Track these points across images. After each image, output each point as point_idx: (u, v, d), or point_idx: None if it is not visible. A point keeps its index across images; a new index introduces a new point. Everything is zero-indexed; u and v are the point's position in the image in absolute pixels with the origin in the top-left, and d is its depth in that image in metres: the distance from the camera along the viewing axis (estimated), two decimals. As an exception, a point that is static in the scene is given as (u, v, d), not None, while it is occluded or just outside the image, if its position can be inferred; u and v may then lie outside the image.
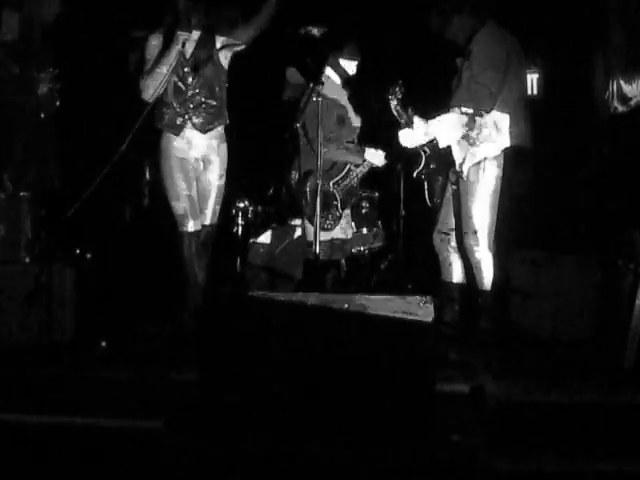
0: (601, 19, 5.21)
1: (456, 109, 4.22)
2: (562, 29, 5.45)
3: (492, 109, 4.18)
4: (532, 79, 5.73)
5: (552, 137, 5.55)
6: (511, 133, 4.23)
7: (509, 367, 4.03)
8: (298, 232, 5.45)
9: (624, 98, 4.96)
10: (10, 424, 3.14)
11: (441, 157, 4.38)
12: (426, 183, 4.48)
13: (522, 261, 5.06)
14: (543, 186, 5.58)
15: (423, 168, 4.48)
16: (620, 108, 4.99)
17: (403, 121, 4.45)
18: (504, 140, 4.23)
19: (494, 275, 4.30)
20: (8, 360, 4.04)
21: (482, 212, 4.24)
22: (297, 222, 5.53)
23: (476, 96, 4.17)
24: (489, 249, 4.26)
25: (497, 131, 4.21)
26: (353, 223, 5.42)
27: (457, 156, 4.28)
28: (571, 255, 4.86)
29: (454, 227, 4.45)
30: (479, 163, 4.24)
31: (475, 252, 4.27)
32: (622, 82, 4.97)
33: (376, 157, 5.03)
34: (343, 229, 5.16)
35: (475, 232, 4.24)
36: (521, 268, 5.05)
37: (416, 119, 4.36)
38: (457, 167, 4.29)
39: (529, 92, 5.72)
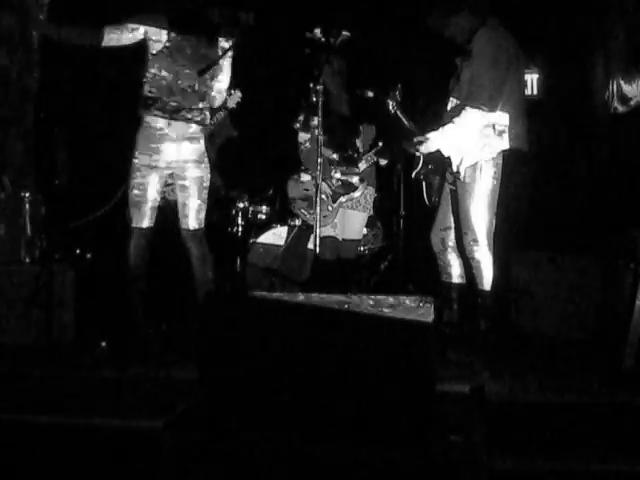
0: (601, 19, 5.21)
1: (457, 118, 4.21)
2: (562, 29, 5.46)
3: (492, 110, 4.17)
4: (532, 79, 5.74)
5: (552, 137, 5.56)
6: (510, 135, 4.22)
7: (509, 367, 4.03)
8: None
9: (624, 98, 4.96)
10: (10, 424, 3.14)
11: (438, 158, 4.38)
12: (424, 183, 4.48)
13: (522, 261, 5.07)
14: (543, 186, 5.59)
15: (421, 169, 4.48)
16: (620, 108, 4.99)
17: (403, 124, 4.45)
18: (502, 142, 4.22)
19: (494, 275, 4.30)
20: (8, 360, 4.05)
21: (480, 212, 4.24)
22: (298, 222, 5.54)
23: (476, 97, 4.16)
24: (489, 249, 4.26)
25: (495, 132, 4.21)
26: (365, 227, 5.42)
27: (454, 158, 4.28)
28: (571, 255, 4.86)
29: (452, 226, 4.45)
30: (476, 164, 4.24)
31: (474, 252, 4.27)
32: (622, 82, 4.97)
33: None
34: (335, 228, 5.17)
35: (474, 232, 4.24)
36: (521, 268, 5.06)
37: (431, 134, 4.33)
38: (454, 168, 4.29)
39: (529, 92, 5.73)
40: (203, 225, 4.38)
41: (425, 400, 2.80)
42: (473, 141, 4.19)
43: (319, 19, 5.65)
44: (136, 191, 4.23)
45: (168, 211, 5.44)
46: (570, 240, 5.05)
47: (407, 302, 3.00)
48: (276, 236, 5.52)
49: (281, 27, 6.27)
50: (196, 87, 4.22)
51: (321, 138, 4.41)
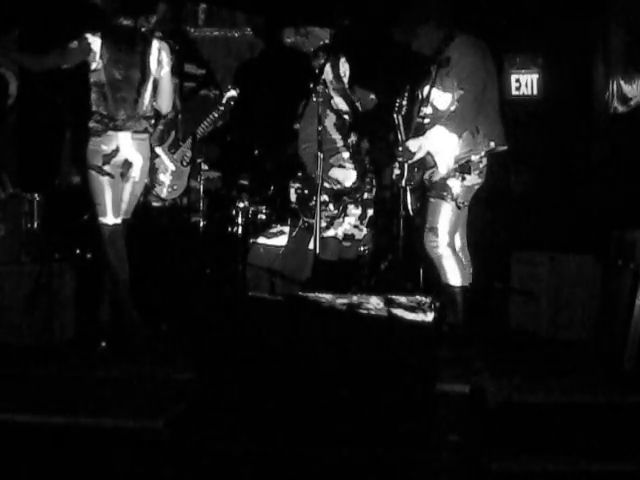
0: (601, 19, 5.22)
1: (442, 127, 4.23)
2: (562, 29, 5.46)
3: (478, 112, 4.19)
4: (532, 79, 5.74)
5: (552, 137, 5.56)
6: (492, 135, 4.24)
7: (509, 367, 4.03)
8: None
9: (624, 98, 4.96)
10: (10, 424, 3.14)
11: (420, 163, 4.39)
12: (408, 190, 4.47)
13: (522, 261, 5.08)
14: (543, 186, 5.59)
15: (409, 175, 4.47)
16: (620, 108, 5.00)
17: (399, 132, 4.45)
18: (486, 142, 4.24)
19: (461, 272, 4.32)
20: (8, 360, 4.04)
21: (440, 210, 4.27)
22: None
23: (462, 101, 4.17)
24: (449, 245, 4.29)
25: (479, 133, 4.22)
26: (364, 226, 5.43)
27: (439, 159, 4.28)
28: (571, 255, 4.86)
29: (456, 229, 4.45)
30: (464, 164, 4.26)
31: (434, 248, 4.31)
32: (622, 82, 4.97)
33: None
34: (337, 228, 5.19)
35: (433, 229, 4.28)
36: (521, 268, 5.06)
37: (411, 142, 4.36)
38: (441, 170, 4.28)
39: (529, 92, 5.74)
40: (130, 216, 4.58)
41: (425, 400, 2.81)
42: (457, 142, 4.21)
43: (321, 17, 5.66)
44: (90, 187, 4.41)
45: (166, 212, 5.45)
46: (570, 240, 5.05)
47: (407, 302, 3.00)
48: (277, 237, 5.52)
49: (282, 26, 6.29)
50: (135, 98, 4.41)
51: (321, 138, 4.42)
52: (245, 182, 5.77)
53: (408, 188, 4.44)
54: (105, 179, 4.36)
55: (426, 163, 4.34)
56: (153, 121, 4.54)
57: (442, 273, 4.36)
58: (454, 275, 4.33)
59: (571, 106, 5.48)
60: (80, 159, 4.48)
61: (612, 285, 4.09)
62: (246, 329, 2.95)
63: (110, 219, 4.40)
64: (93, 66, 4.32)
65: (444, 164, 4.25)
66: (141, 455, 2.96)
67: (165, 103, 4.58)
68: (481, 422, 3.14)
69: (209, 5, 6.41)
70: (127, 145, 4.39)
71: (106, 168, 4.36)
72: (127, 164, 4.40)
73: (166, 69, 4.49)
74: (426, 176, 4.39)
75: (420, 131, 4.34)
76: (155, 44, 4.45)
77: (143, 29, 4.44)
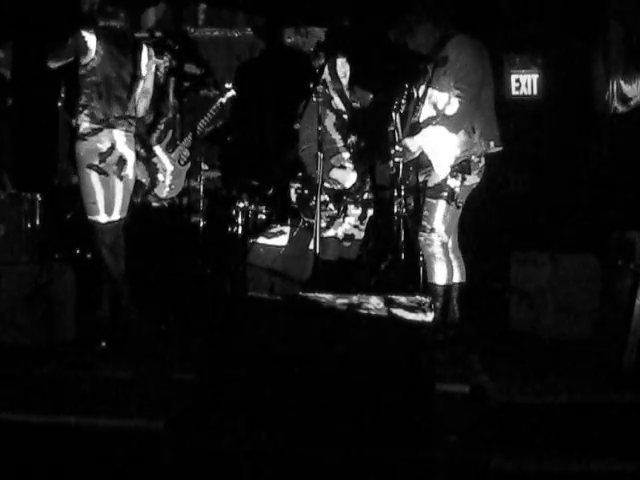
0: (601, 19, 5.21)
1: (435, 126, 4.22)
2: (562, 29, 5.46)
3: (475, 112, 4.20)
4: (532, 79, 5.74)
5: (552, 137, 5.56)
6: (489, 135, 4.25)
7: (509, 367, 4.03)
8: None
9: (624, 98, 4.96)
10: (10, 424, 3.14)
11: (414, 163, 4.39)
12: (402, 189, 4.46)
13: (522, 261, 5.07)
14: (543, 186, 5.59)
15: (404, 174, 4.46)
16: (620, 108, 4.99)
17: (397, 132, 4.45)
18: (482, 142, 4.24)
19: (448, 271, 4.33)
20: (8, 360, 4.04)
21: (437, 209, 4.27)
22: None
23: (459, 101, 4.18)
24: (442, 246, 4.29)
25: (475, 133, 4.22)
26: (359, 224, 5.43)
27: (434, 158, 4.27)
28: (571, 255, 4.86)
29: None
30: (461, 163, 4.25)
31: (427, 246, 4.31)
32: (622, 82, 4.97)
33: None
34: (337, 228, 5.19)
35: (431, 229, 4.28)
36: (521, 267, 5.06)
37: (407, 140, 4.35)
38: (437, 171, 4.28)
39: (529, 92, 5.74)
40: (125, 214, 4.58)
41: (425, 400, 2.81)
42: (453, 142, 4.21)
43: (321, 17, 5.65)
44: (82, 186, 4.42)
45: (166, 212, 5.45)
46: (570, 240, 5.05)
47: (407, 302, 3.00)
48: (277, 237, 5.52)
49: (282, 26, 6.29)
50: (127, 97, 4.47)
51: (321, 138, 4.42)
52: (245, 182, 5.78)
53: (402, 187, 4.44)
54: (99, 177, 4.36)
55: (421, 163, 4.34)
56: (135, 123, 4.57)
57: (429, 271, 4.36)
58: (440, 275, 4.33)
59: (571, 106, 5.48)
60: (74, 158, 4.48)
61: (612, 285, 4.08)
62: (246, 329, 2.94)
63: (103, 217, 4.40)
64: (88, 63, 4.33)
65: (439, 164, 4.24)
66: (141, 455, 2.96)
67: (143, 106, 4.62)
68: (481, 422, 3.14)
69: (209, 5, 6.41)
70: (121, 142, 4.41)
71: (102, 166, 4.36)
72: (122, 161, 4.41)
73: (151, 73, 4.57)
74: (422, 176, 4.39)
75: (416, 130, 4.34)
76: (144, 47, 4.54)
77: (137, 35, 4.51)
